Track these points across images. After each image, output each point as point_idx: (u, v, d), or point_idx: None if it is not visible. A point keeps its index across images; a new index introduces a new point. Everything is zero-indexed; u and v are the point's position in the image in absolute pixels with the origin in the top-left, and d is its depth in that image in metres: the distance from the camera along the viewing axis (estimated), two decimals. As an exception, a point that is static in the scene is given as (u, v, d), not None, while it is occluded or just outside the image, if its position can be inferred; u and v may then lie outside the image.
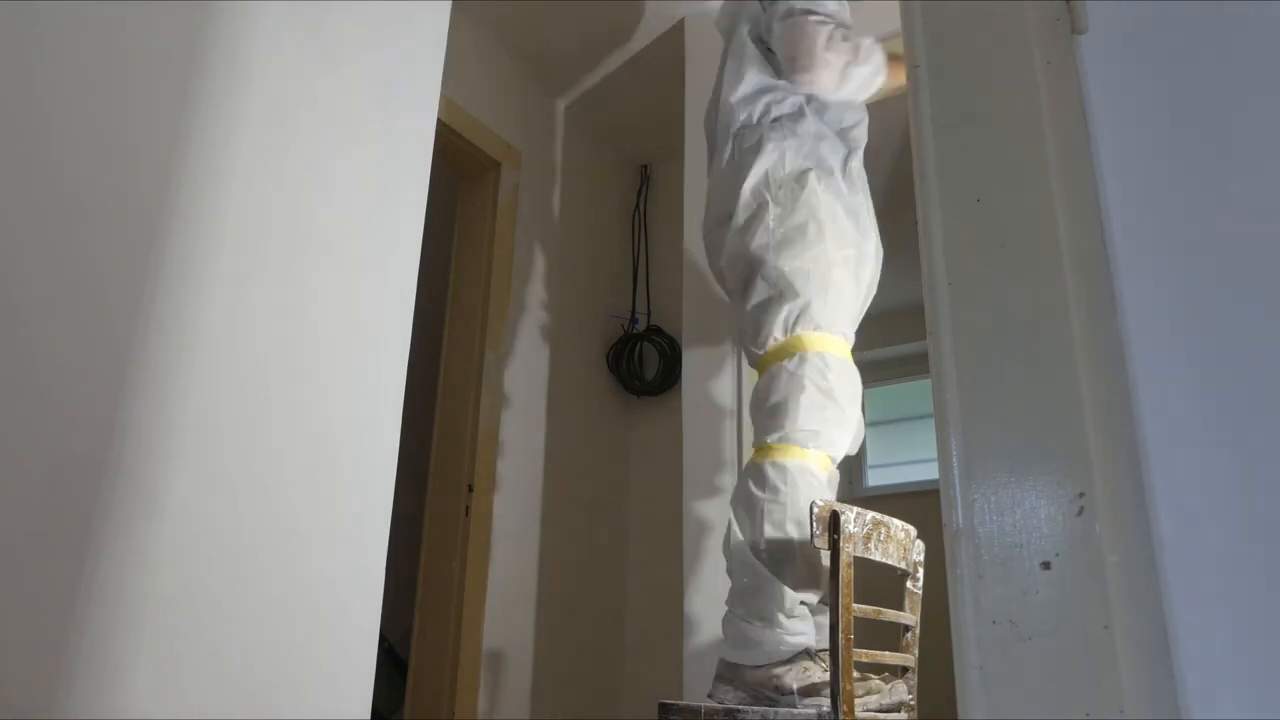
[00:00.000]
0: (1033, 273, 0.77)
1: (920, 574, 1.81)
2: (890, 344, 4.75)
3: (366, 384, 1.55)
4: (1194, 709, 0.67)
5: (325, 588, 1.41)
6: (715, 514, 2.48)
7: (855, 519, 1.60)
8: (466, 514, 2.69)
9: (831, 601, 1.56)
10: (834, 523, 1.56)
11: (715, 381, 2.59)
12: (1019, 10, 0.86)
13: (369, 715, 1.43)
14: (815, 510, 1.60)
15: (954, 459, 0.75)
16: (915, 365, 4.78)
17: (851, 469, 4.90)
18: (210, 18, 1.39)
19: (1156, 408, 0.74)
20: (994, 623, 0.69)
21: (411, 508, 2.71)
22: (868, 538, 1.63)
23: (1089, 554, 0.68)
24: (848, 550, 1.56)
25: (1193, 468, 0.72)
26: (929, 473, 4.57)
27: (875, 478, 4.92)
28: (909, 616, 1.78)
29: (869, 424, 5.20)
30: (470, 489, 2.71)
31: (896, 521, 1.73)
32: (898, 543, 1.72)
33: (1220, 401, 0.73)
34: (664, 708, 1.67)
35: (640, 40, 3.12)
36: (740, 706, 1.64)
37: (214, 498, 1.27)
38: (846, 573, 1.54)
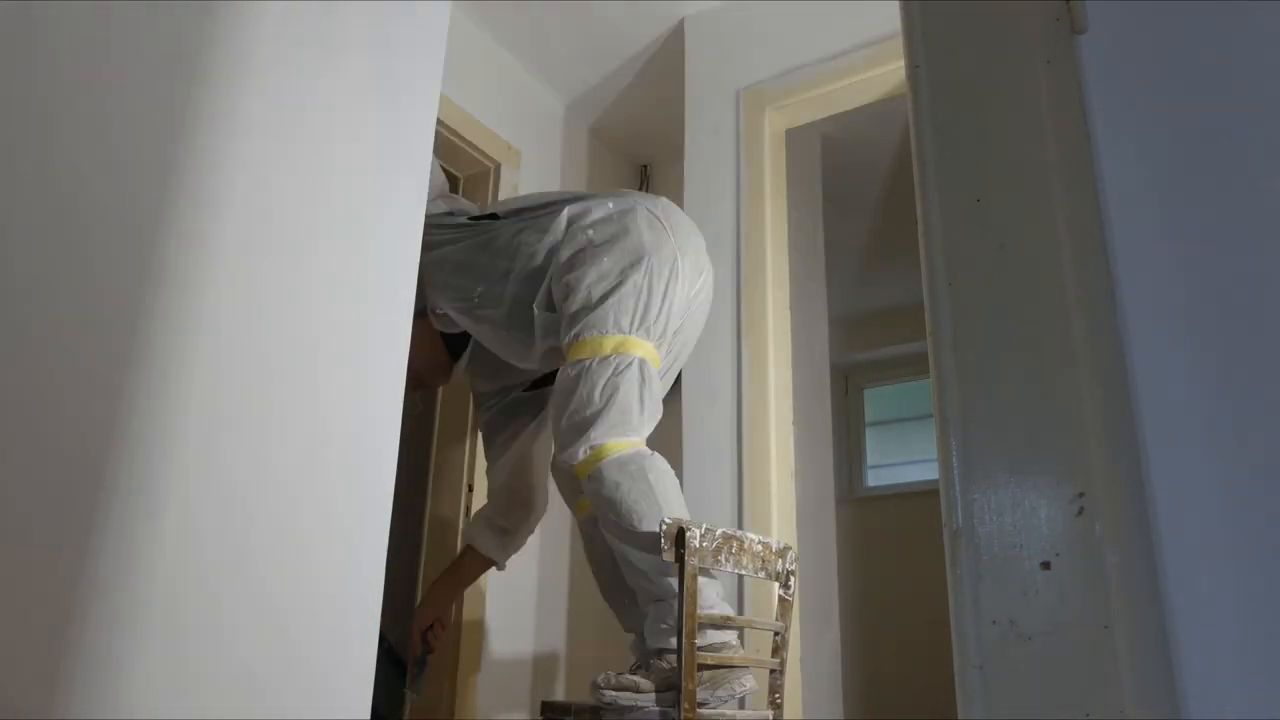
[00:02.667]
0: (1033, 273, 0.77)
1: (793, 583, 1.93)
2: (890, 344, 4.76)
3: (366, 384, 1.55)
4: (1194, 709, 0.67)
5: (325, 588, 1.41)
6: (715, 514, 2.48)
7: (703, 535, 1.73)
8: (467, 514, 2.69)
9: (679, 610, 1.68)
10: (679, 538, 1.70)
11: (715, 381, 2.59)
12: (1019, 10, 0.86)
13: (369, 715, 1.43)
14: (663, 527, 1.72)
15: (954, 459, 0.75)
16: (915, 365, 4.78)
17: (851, 470, 4.90)
18: (210, 17, 1.39)
19: (1156, 408, 0.74)
20: (994, 623, 0.69)
21: (411, 508, 2.70)
22: (717, 551, 1.77)
23: (1089, 554, 0.68)
24: (692, 564, 1.71)
25: (1193, 468, 0.72)
26: (929, 473, 4.57)
27: (875, 478, 4.93)
28: (776, 623, 1.91)
29: (869, 424, 5.22)
30: (470, 489, 2.71)
31: (753, 535, 1.87)
32: (753, 555, 1.85)
33: (1220, 401, 0.73)
34: (546, 706, 1.86)
35: (640, 40, 3.13)
36: (614, 704, 1.72)
37: (213, 498, 1.28)
38: (691, 584, 1.70)
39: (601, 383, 1.88)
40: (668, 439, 3.09)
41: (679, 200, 2.88)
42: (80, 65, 1.24)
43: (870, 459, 4.95)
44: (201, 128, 1.35)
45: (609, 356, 1.90)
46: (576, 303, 1.96)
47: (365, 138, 1.62)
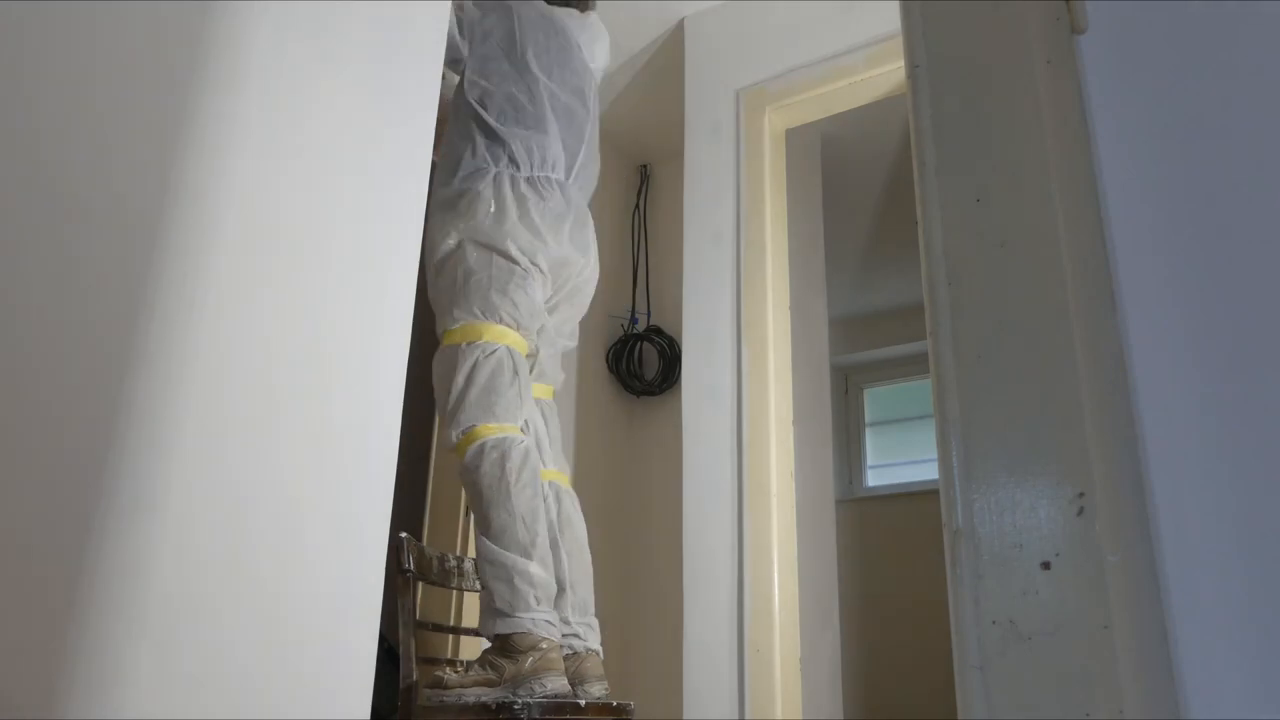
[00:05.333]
0: (1033, 273, 0.77)
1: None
2: (890, 344, 4.76)
3: (367, 384, 1.55)
4: (1194, 709, 0.67)
5: (325, 588, 1.41)
6: (715, 514, 2.48)
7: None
8: (466, 514, 2.68)
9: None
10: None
11: (715, 381, 2.59)
12: (1019, 10, 0.86)
13: (369, 715, 1.42)
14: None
15: (954, 459, 0.75)
16: (915, 365, 4.78)
17: (851, 470, 4.90)
18: (210, 18, 1.39)
19: (1156, 408, 0.74)
20: (994, 623, 0.69)
21: (412, 507, 2.70)
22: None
23: (1089, 554, 0.68)
24: None
25: (1193, 468, 0.72)
26: (929, 473, 4.58)
27: (875, 478, 4.93)
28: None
29: (869, 424, 5.21)
30: (470, 489, 2.71)
31: None
32: None
33: (1220, 401, 0.73)
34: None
35: (640, 41, 3.13)
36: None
37: (213, 498, 1.28)
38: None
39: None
40: (668, 439, 3.10)
41: (679, 200, 2.88)
42: (80, 67, 1.24)
43: (870, 459, 4.95)
44: (201, 129, 1.35)
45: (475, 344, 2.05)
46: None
47: (365, 138, 1.62)
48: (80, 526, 1.13)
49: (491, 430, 1.98)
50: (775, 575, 2.35)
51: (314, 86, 1.53)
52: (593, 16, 2.51)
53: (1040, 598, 0.68)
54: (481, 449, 1.98)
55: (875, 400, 5.01)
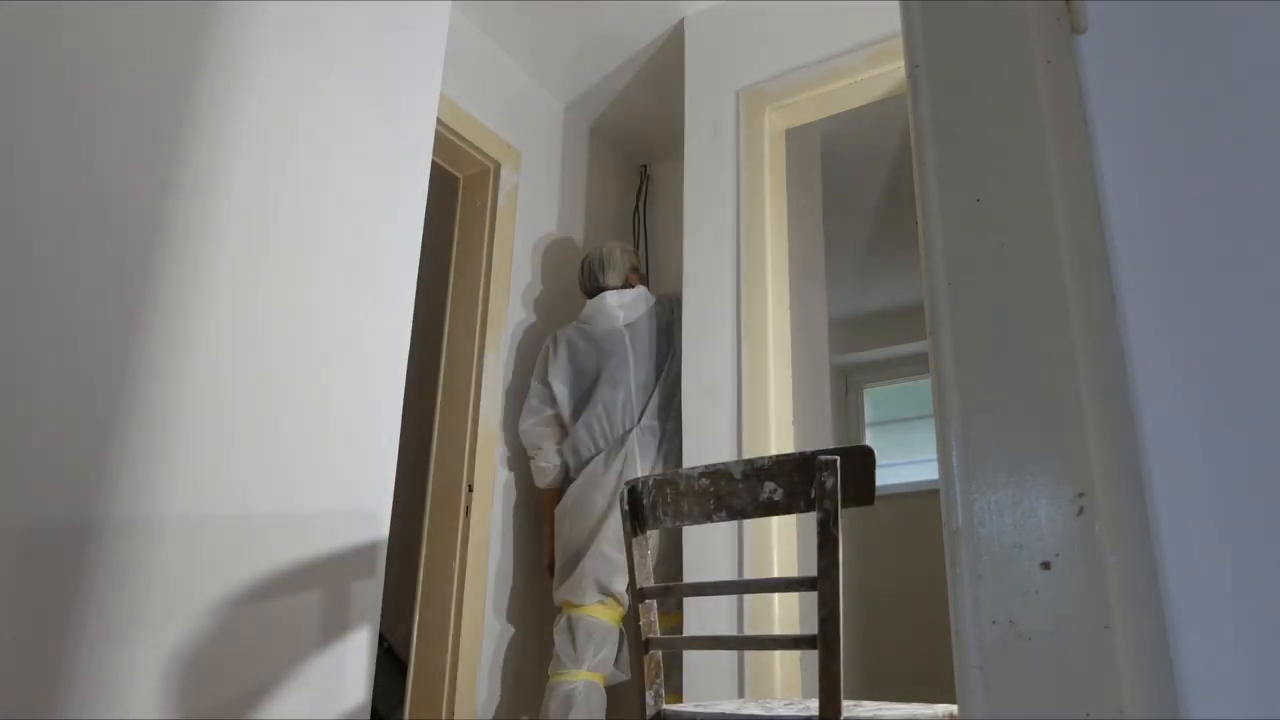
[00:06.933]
0: (1033, 273, 0.77)
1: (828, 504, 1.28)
2: (890, 344, 4.76)
3: (366, 384, 1.55)
4: (1194, 709, 0.67)
5: (325, 588, 1.41)
6: (715, 514, 2.48)
7: (644, 488, 1.40)
8: (466, 514, 2.69)
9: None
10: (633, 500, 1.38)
11: (715, 381, 2.59)
12: (1019, 10, 0.86)
13: (368, 715, 1.43)
14: (624, 494, 1.42)
15: (954, 459, 0.75)
16: (915, 365, 4.78)
17: (851, 469, 4.89)
18: (210, 17, 1.39)
19: (1156, 408, 0.74)
20: (994, 623, 0.69)
21: (411, 508, 2.70)
22: (654, 506, 1.39)
23: (1089, 554, 0.68)
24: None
25: (1193, 468, 0.72)
26: (929, 473, 4.58)
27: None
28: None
29: (870, 424, 5.20)
30: (470, 489, 2.71)
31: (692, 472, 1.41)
32: (696, 495, 1.37)
33: (1220, 401, 0.73)
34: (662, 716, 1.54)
35: (640, 40, 3.13)
36: (730, 713, 1.57)
37: (213, 500, 1.28)
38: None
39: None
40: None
41: (679, 200, 2.88)
42: (82, 67, 1.24)
43: (870, 459, 4.94)
44: (201, 128, 1.35)
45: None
46: None
47: (365, 138, 1.62)
48: (79, 528, 1.13)
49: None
50: (775, 575, 2.35)
51: (314, 86, 1.53)
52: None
53: (1040, 598, 0.68)
54: None
55: (875, 400, 5.01)
